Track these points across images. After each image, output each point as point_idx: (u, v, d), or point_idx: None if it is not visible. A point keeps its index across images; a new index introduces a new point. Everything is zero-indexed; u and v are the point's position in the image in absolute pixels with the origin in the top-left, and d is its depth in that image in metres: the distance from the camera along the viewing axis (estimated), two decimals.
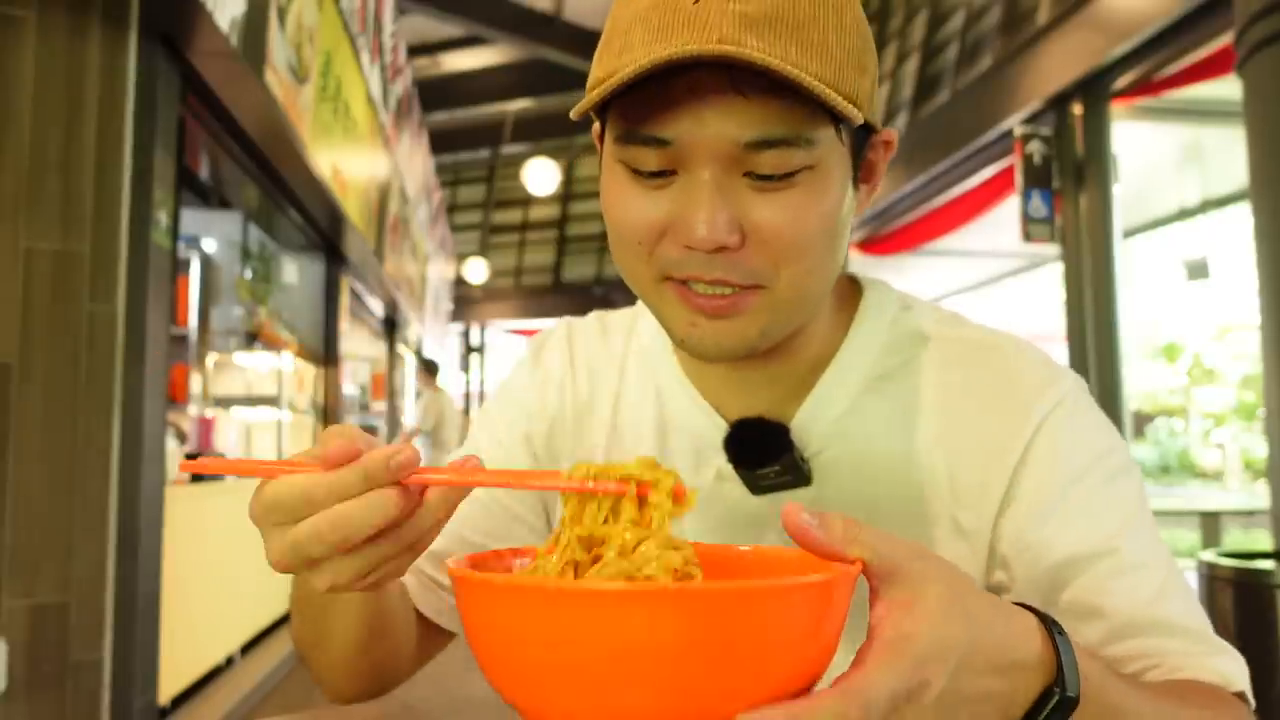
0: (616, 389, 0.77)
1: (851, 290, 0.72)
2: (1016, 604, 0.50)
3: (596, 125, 0.65)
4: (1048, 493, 0.63)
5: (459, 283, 14.73)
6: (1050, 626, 0.49)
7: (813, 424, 0.67)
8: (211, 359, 5.24)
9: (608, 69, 0.57)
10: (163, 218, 2.97)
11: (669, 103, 0.55)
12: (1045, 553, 0.63)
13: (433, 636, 0.78)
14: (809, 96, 0.53)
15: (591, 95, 0.56)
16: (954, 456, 0.66)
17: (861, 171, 0.64)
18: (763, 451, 0.65)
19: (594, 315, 0.82)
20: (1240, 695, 0.61)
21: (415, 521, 0.48)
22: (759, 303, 0.59)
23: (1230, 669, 0.61)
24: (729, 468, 0.68)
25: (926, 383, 0.68)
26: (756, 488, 0.67)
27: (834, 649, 0.43)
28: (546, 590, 0.39)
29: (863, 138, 0.62)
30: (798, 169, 0.56)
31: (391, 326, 10.01)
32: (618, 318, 0.82)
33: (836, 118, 0.57)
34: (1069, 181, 5.39)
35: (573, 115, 0.57)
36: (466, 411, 16.93)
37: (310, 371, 6.22)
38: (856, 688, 0.40)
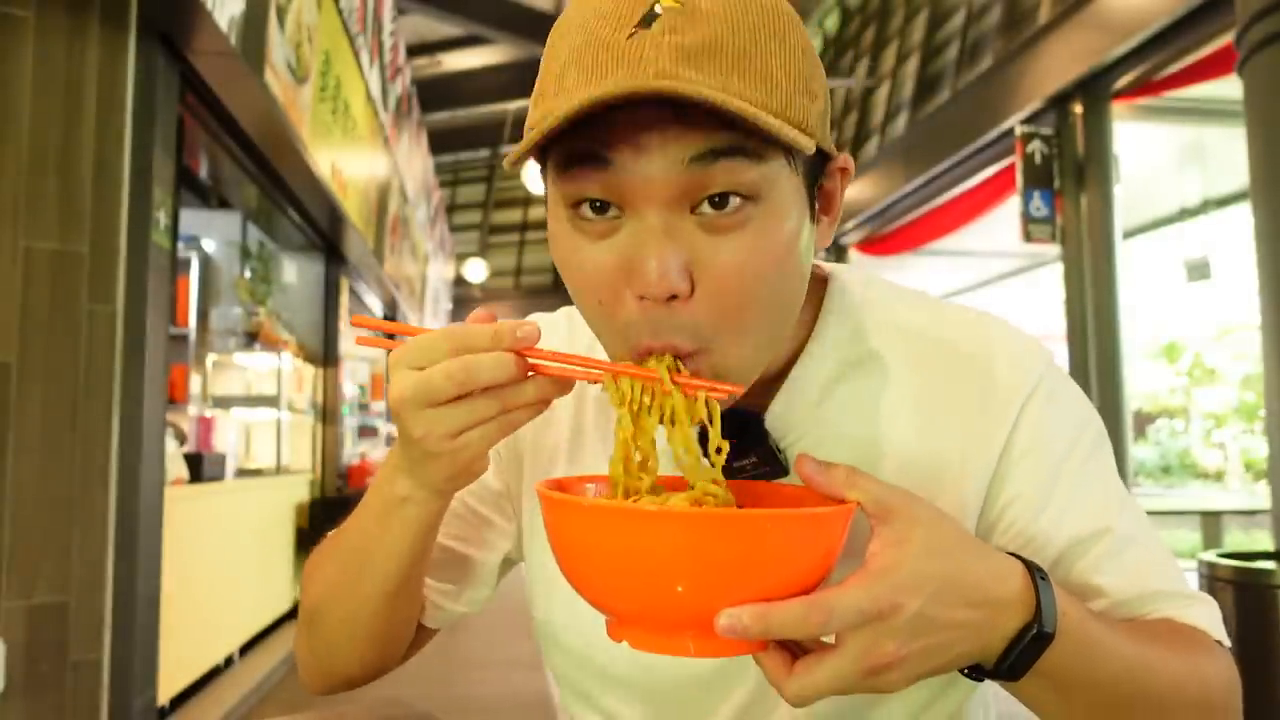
0: (580, 387, 0.76)
1: (819, 283, 0.72)
2: (1008, 552, 0.55)
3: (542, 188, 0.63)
4: (1039, 483, 0.65)
5: (459, 283, 14.73)
6: (1033, 571, 0.54)
7: (787, 414, 0.68)
8: (211, 359, 5.24)
9: (544, 113, 0.54)
10: (162, 218, 2.97)
11: (610, 131, 0.53)
12: (1045, 544, 0.65)
13: (420, 630, 0.80)
14: (753, 127, 0.51)
15: (530, 136, 0.53)
16: (930, 442, 0.66)
17: (819, 202, 0.62)
18: (738, 442, 0.64)
19: (562, 312, 0.81)
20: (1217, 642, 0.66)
21: (517, 391, 0.56)
22: (707, 369, 0.57)
23: (1206, 618, 0.65)
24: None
25: (897, 366, 0.68)
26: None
27: (824, 570, 0.50)
28: (599, 508, 0.52)
29: (817, 166, 0.60)
30: (749, 195, 0.54)
31: None
32: None
33: (786, 148, 0.55)
34: (1069, 181, 5.39)
35: (506, 165, 0.54)
36: None
37: (310, 371, 6.22)
38: (824, 599, 0.47)
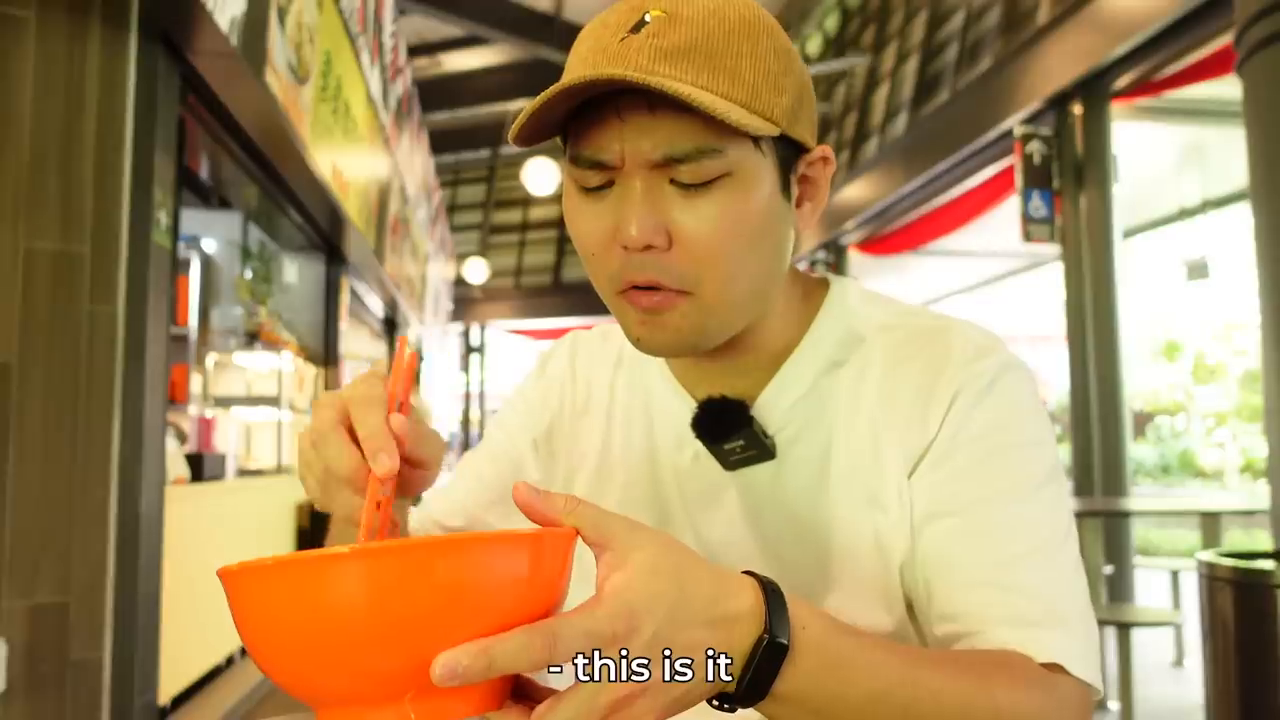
0: (610, 385, 0.87)
1: (820, 288, 0.79)
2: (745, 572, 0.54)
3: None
4: (944, 447, 0.68)
5: (459, 283, 14.73)
6: (764, 584, 0.53)
7: (774, 404, 0.75)
8: (211, 359, 5.24)
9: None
10: (163, 218, 2.97)
11: (601, 126, 0.64)
12: (918, 498, 0.68)
13: None
14: (708, 113, 0.60)
15: (526, 109, 0.64)
16: (888, 429, 0.71)
17: (802, 188, 0.71)
18: (725, 425, 0.73)
19: (599, 328, 0.92)
20: (1067, 671, 0.61)
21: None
22: (687, 306, 0.66)
23: (1059, 645, 0.61)
24: (705, 449, 0.76)
25: (874, 365, 0.74)
26: (727, 463, 0.75)
27: (547, 602, 0.47)
28: (271, 566, 0.43)
29: (791, 154, 0.68)
30: (716, 176, 0.63)
31: (391, 326, 10.02)
32: (618, 327, 0.87)
33: (755, 137, 0.64)
34: (1069, 181, 5.40)
35: (510, 139, 0.67)
36: (466, 410, 16.99)
37: (310, 371, 6.21)
38: (547, 624, 0.45)
